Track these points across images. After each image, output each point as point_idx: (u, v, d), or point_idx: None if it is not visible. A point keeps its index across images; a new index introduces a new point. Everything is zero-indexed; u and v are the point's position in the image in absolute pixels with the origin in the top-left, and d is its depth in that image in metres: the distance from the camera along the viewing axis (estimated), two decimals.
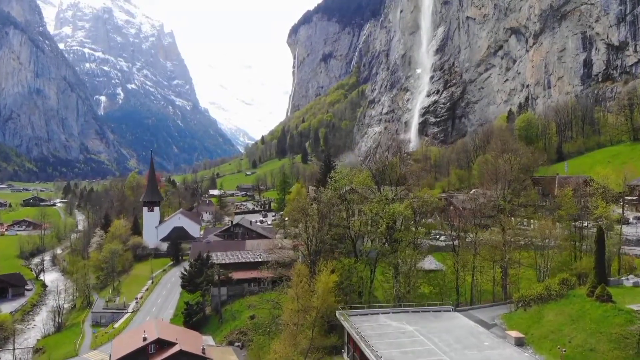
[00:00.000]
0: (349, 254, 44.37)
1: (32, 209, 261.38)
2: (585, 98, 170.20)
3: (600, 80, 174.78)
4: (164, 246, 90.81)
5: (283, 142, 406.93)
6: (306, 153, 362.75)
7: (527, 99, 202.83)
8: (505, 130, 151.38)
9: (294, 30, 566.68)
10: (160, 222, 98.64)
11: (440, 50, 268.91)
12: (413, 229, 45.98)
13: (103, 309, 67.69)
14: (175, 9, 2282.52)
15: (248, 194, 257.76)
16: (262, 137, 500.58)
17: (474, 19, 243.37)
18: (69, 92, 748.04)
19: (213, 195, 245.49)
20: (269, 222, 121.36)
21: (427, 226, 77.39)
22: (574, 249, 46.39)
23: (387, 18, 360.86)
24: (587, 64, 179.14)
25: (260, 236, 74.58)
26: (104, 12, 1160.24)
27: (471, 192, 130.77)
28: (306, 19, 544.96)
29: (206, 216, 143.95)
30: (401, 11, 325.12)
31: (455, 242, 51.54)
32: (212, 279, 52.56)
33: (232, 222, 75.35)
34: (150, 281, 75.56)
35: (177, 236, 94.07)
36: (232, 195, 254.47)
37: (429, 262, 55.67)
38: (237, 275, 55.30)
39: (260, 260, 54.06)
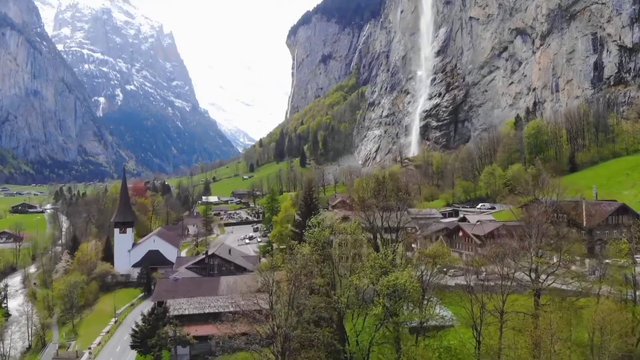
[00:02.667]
0: (332, 342, 34.49)
1: (20, 216, 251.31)
2: (596, 103, 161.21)
3: (612, 83, 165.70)
4: (137, 273, 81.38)
5: (281, 144, 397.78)
6: (304, 156, 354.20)
7: (535, 104, 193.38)
8: (513, 138, 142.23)
9: (293, 31, 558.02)
10: (134, 244, 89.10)
11: (442, 51, 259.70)
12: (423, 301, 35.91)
13: (52, 359, 58.47)
14: (174, 9, 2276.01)
15: (242, 201, 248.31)
16: (260, 139, 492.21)
17: (478, 19, 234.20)
18: (67, 94, 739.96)
19: (206, 203, 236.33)
20: (259, 239, 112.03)
21: (432, 255, 67.76)
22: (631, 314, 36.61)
23: (387, 19, 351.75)
24: (598, 67, 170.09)
25: (239, 269, 64.80)
26: (102, 13, 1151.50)
27: (478, 207, 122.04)
28: (305, 19, 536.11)
29: (192, 229, 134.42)
30: (401, 11, 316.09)
31: (472, 284, 41.33)
32: (166, 341, 43.22)
33: (207, 253, 65.59)
34: (113, 320, 65.86)
35: (152, 261, 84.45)
36: (226, 202, 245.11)
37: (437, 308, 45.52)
38: (203, 329, 45.78)
39: (231, 310, 44.82)
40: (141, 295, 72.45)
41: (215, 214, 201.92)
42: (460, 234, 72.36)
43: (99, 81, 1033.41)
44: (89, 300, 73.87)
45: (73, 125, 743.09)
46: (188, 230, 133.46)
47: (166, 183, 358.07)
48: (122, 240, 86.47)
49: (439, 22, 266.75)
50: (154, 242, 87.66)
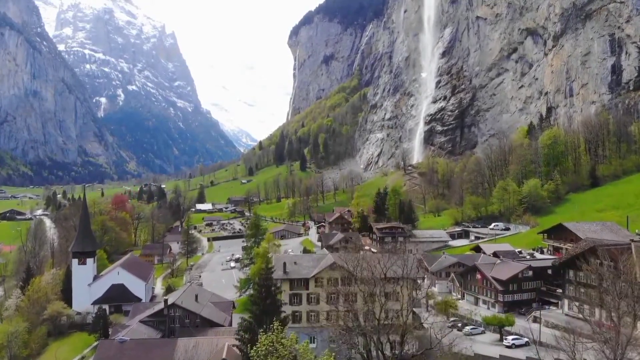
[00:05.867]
0: None
1: (7, 223, 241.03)
2: (614, 109, 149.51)
3: (631, 88, 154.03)
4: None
5: (281, 147, 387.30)
6: (305, 160, 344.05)
7: (548, 109, 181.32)
8: (528, 149, 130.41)
9: (295, 31, 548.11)
10: (96, 276, 77.51)
11: (447, 52, 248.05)
12: None
13: None
14: (176, 9, 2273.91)
15: (237, 209, 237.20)
16: (260, 142, 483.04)
17: (485, 19, 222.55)
18: (67, 94, 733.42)
19: (199, 211, 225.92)
20: (246, 262, 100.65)
21: (443, 305, 56.35)
22: None
23: (391, 19, 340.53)
24: (616, 70, 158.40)
25: (206, 323, 52.98)
26: (104, 13, 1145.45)
27: (491, 227, 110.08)
28: (307, 19, 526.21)
29: (175, 247, 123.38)
30: (405, 11, 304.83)
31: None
32: None
33: (166, 302, 54.11)
34: None
35: (115, 297, 73.19)
36: (220, 210, 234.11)
37: None
38: None
39: None
40: (96, 343, 61.63)
41: (207, 224, 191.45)
42: (478, 275, 60.76)
43: (101, 81, 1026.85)
44: (35, 350, 62.65)
45: (73, 125, 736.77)
46: (170, 249, 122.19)
47: (162, 187, 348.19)
48: (81, 273, 74.91)
49: (444, 22, 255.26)
50: (118, 275, 76.27)
